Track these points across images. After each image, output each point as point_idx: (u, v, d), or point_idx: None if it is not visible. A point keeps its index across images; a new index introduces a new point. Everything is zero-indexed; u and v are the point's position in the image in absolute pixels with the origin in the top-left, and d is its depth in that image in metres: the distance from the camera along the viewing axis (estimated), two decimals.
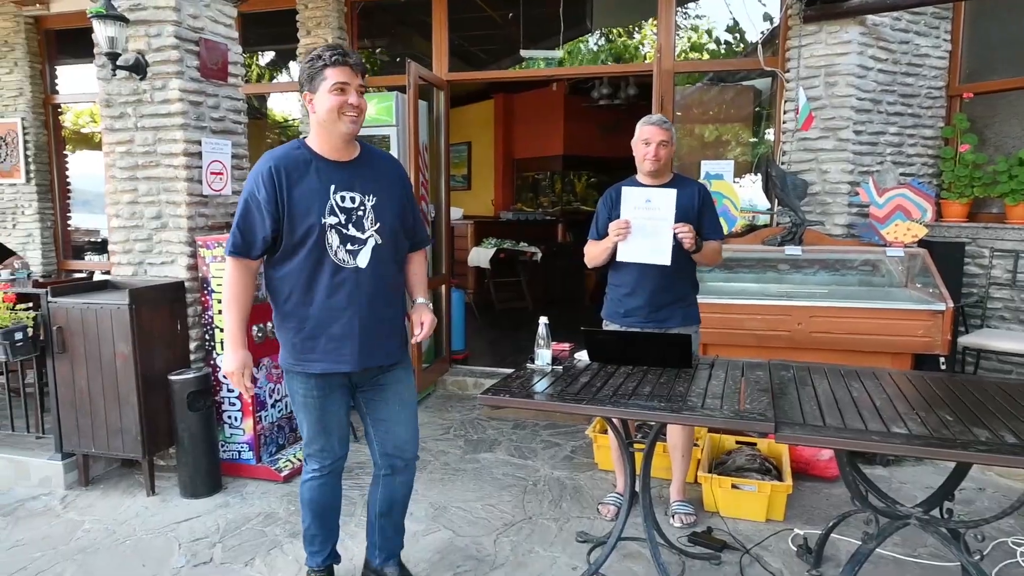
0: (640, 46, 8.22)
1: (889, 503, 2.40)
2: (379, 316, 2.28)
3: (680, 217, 2.84)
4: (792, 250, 4.10)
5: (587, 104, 9.19)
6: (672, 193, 2.83)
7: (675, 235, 2.82)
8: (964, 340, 4.03)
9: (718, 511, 3.19)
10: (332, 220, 2.19)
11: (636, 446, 2.67)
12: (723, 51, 5.81)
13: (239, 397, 3.59)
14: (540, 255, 8.20)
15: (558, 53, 5.91)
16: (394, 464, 2.46)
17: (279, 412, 3.81)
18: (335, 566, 2.65)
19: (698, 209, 2.99)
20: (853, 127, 4.45)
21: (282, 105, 8.71)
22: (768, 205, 4.85)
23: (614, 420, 2.56)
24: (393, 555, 2.61)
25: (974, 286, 4.43)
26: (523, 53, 5.98)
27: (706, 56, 6.07)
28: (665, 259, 2.84)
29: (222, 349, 3.38)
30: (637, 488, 2.60)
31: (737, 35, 5.61)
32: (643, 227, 2.86)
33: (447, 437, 4.25)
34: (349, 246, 2.22)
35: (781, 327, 3.73)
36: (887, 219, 4.04)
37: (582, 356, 2.75)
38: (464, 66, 7.18)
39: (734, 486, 3.17)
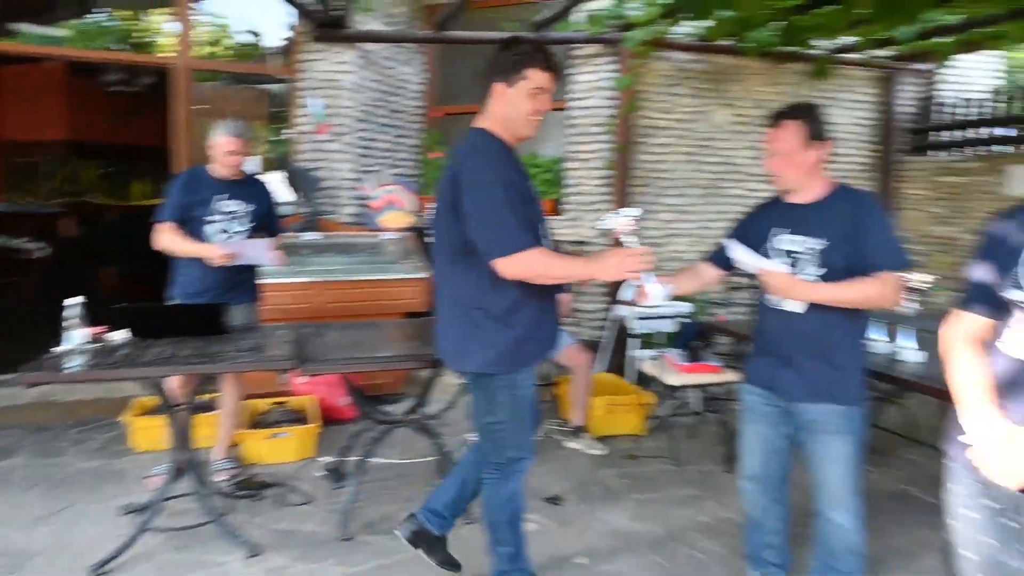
0: (154, 35, 7.99)
1: (383, 414, 3.24)
2: None
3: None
4: (308, 236, 4.80)
5: (98, 87, 8.44)
6: None
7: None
8: None
9: (258, 461, 3.67)
10: None
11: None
12: (237, 52, 6.20)
13: None
14: (45, 251, 7.31)
15: (58, 31, 5.50)
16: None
17: None
18: None
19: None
20: (355, 134, 5.37)
21: None
22: (295, 198, 5.47)
23: (160, 384, 2.82)
24: (451, 525, 2.65)
25: None
26: (17, 27, 5.38)
27: (223, 53, 6.37)
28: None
29: None
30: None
31: (254, 39, 6.08)
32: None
33: None
34: None
35: (304, 300, 4.40)
36: (382, 209, 5.04)
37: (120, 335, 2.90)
38: None
39: (271, 436, 3.70)
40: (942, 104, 6.20)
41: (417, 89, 6.02)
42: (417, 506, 3.26)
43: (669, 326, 4.44)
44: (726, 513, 3.24)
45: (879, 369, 2.70)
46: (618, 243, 2.22)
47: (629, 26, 5.05)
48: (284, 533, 2.99)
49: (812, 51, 5.39)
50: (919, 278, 2.69)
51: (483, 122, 2.25)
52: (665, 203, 5.70)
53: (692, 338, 4.16)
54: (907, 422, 4.12)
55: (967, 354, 1.64)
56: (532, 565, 2.50)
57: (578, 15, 5.16)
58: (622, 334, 4.63)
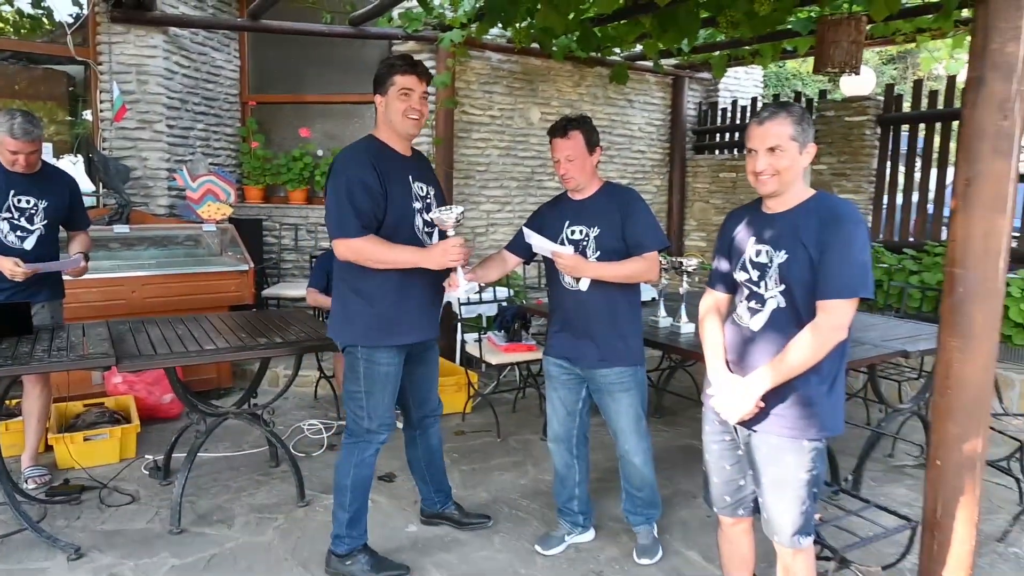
0: None
1: (211, 407, 3.26)
2: None
3: None
4: (120, 228, 4.57)
5: None
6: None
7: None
8: (267, 292, 5.28)
9: (74, 466, 3.51)
10: None
11: None
12: (26, 27, 5.64)
13: None
14: None
15: None
16: (428, 422, 2.89)
17: None
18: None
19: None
20: (166, 121, 5.14)
21: None
22: (93, 188, 5.13)
23: None
24: (449, 495, 3.06)
25: (272, 252, 5.77)
26: None
27: (6, 27, 5.75)
28: None
29: None
30: None
31: (43, 14, 5.54)
32: None
33: None
34: None
35: (118, 296, 4.20)
36: (201, 200, 4.90)
37: None
38: None
39: (86, 439, 3.55)
40: (719, 108, 7.12)
41: (231, 76, 5.86)
42: (251, 496, 3.35)
43: (489, 310, 4.78)
44: (544, 476, 3.62)
45: (663, 341, 3.19)
46: (443, 235, 2.49)
47: (445, 25, 5.31)
48: (109, 533, 2.93)
49: (612, 57, 5.97)
50: (687, 261, 3.22)
51: (374, 130, 2.62)
52: (486, 194, 6.05)
53: (511, 320, 4.52)
54: (691, 386, 4.79)
55: (709, 322, 2.10)
56: (366, 536, 2.70)
57: (398, 9, 5.32)
58: (448, 319, 4.91)
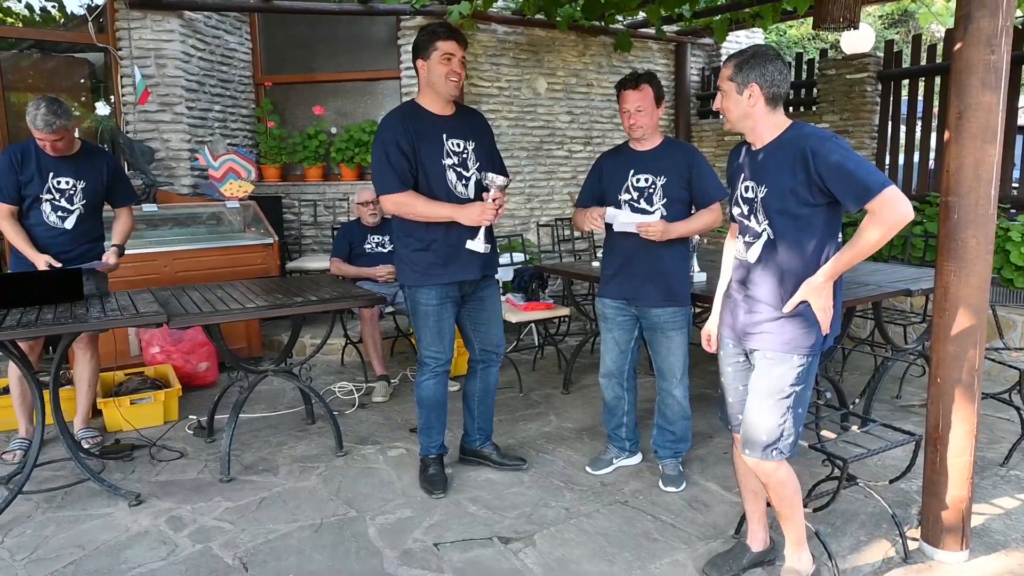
0: None
1: (253, 364, 3.45)
2: None
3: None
4: (149, 208, 4.75)
5: None
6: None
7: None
8: (290, 265, 5.46)
9: (123, 428, 3.72)
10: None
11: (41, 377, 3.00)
12: (38, 18, 5.78)
13: None
14: None
15: None
16: (489, 358, 3.12)
17: None
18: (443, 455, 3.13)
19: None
20: (185, 103, 5.30)
21: None
22: None
23: (20, 345, 2.84)
24: (489, 436, 3.25)
25: (292, 228, 5.94)
26: None
27: (26, 18, 5.90)
28: None
29: None
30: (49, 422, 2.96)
31: (56, 4, 5.68)
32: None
33: None
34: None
35: (151, 271, 4.40)
36: (223, 179, 5.07)
37: None
38: None
39: (132, 402, 3.75)
40: None
41: (244, 58, 6.00)
42: (292, 448, 3.56)
43: (506, 274, 4.95)
44: (565, 424, 3.81)
45: (695, 292, 3.34)
46: (482, 197, 2.82)
47: None
48: (164, 483, 3.14)
49: (615, 25, 6.08)
50: None
51: (416, 96, 2.90)
52: None
53: (528, 281, 4.69)
54: None
55: (725, 252, 2.28)
56: (436, 448, 3.09)
57: None
58: None
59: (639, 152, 2.93)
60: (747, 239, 2.14)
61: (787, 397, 2.06)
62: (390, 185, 2.76)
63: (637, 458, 3.26)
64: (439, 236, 2.84)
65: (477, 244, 2.81)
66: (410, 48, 5.88)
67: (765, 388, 2.08)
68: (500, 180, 2.77)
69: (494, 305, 3.12)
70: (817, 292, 2.01)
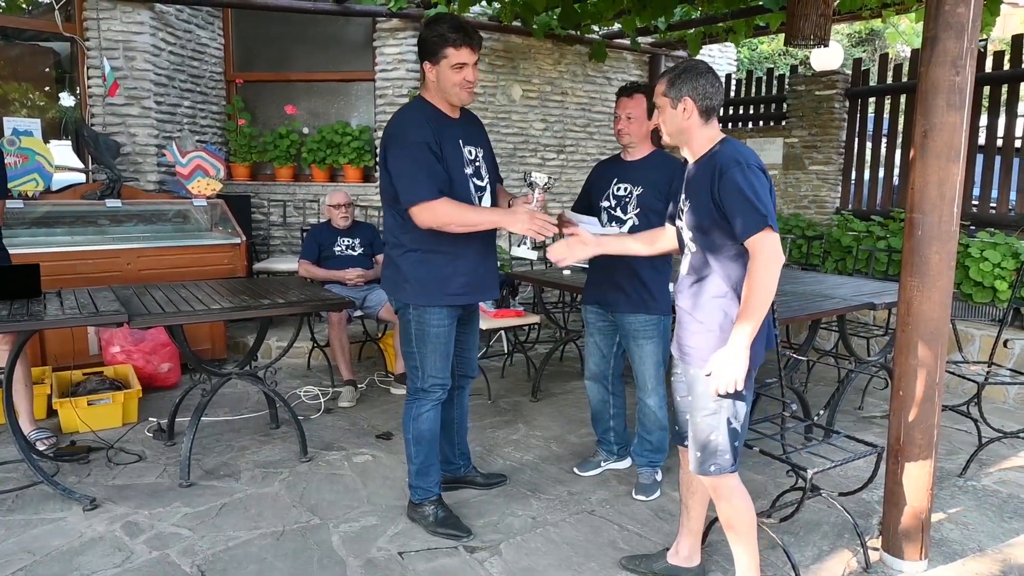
0: None
1: (216, 366, 3.38)
2: None
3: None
4: (113, 203, 4.63)
5: None
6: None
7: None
8: (258, 266, 5.38)
9: (79, 429, 3.61)
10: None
11: None
12: (2, 4, 5.62)
13: None
14: None
15: None
16: (464, 382, 2.92)
17: None
18: None
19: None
20: (154, 98, 5.20)
21: None
22: (82, 164, 5.17)
23: None
24: (470, 459, 3.09)
25: (260, 228, 5.85)
26: None
27: None
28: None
29: None
30: None
31: None
32: None
33: None
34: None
35: (113, 268, 4.29)
36: (191, 176, 4.97)
37: None
38: None
39: (90, 403, 3.65)
40: None
41: (216, 54, 5.91)
42: (255, 454, 3.49)
43: None
44: (534, 432, 3.80)
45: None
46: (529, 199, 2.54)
47: (429, 2, 5.41)
48: (121, 487, 3.05)
49: (590, 35, 6.12)
50: None
51: (423, 92, 2.58)
52: None
53: (499, 288, 4.67)
54: None
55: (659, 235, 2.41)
56: (437, 489, 2.75)
57: None
58: None
59: (626, 162, 2.98)
60: (683, 253, 2.20)
61: (714, 414, 2.03)
62: (424, 191, 2.35)
63: (626, 462, 3.27)
64: (469, 250, 2.53)
65: (524, 251, 2.47)
66: (385, 50, 5.85)
67: (694, 403, 2.09)
68: (544, 178, 2.49)
69: (476, 328, 2.93)
70: (733, 359, 1.91)
